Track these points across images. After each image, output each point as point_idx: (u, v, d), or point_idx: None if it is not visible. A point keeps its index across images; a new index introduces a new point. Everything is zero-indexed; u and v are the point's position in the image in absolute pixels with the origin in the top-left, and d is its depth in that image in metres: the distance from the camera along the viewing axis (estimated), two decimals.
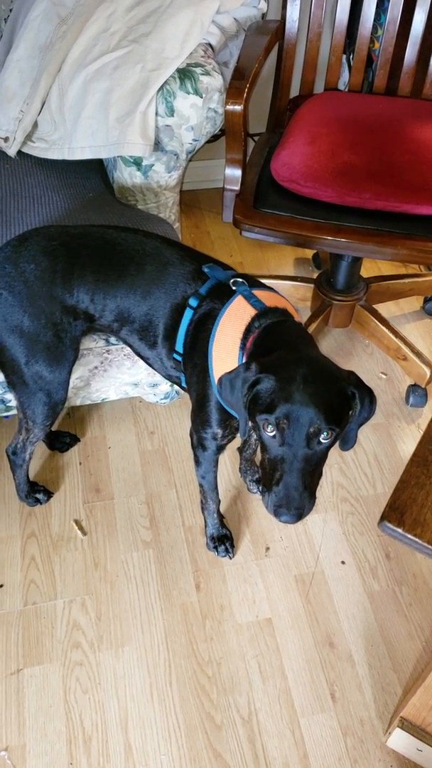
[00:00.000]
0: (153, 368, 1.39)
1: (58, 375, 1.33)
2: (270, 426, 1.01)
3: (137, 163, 1.61)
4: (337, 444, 1.08)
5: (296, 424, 0.99)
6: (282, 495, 1.01)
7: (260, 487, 1.69)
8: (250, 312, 1.19)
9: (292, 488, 1.00)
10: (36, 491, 1.65)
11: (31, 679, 1.39)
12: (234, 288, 1.22)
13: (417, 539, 0.79)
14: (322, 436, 1.00)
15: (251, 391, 1.05)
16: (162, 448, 1.80)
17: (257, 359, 1.08)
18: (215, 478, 1.45)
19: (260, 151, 1.78)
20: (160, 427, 1.84)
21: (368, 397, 1.07)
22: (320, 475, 1.05)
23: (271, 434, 1.02)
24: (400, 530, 0.80)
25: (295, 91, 1.87)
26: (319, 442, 1.01)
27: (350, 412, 1.06)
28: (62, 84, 1.57)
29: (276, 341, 1.14)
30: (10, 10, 1.78)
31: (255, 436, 1.11)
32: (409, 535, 0.79)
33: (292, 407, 0.99)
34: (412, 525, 0.80)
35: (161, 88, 1.50)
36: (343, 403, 1.04)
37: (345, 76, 2.13)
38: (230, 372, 1.11)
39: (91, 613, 1.48)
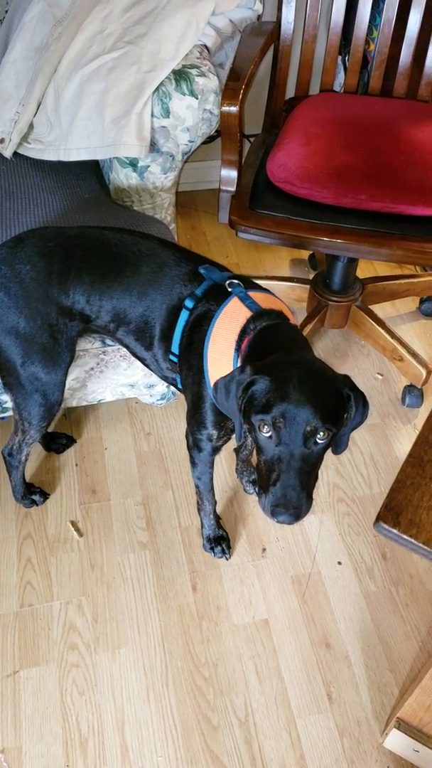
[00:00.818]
0: (149, 369, 1.39)
1: (54, 376, 1.33)
2: (266, 426, 1.01)
3: (133, 164, 1.61)
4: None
5: (293, 423, 0.99)
6: (279, 495, 1.00)
7: (256, 489, 1.69)
8: (245, 314, 1.19)
9: (290, 488, 1.00)
10: (32, 492, 1.65)
11: (27, 681, 1.39)
12: (230, 289, 1.22)
13: (412, 540, 0.79)
14: (319, 435, 1.00)
15: (246, 393, 1.05)
16: (158, 449, 1.80)
17: (252, 362, 1.08)
18: (211, 479, 1.45)
19: (256, 153, 1.78)
20: (157, 428, 1.84)
21: (362, 401, 1.08)
22: (316, 477, 1.05)
23: (267, 434, 1.02)
24: (395, 531, 0.80)
25: (290, 92, 1.87)
26: (316, 442, 1.01)
27: (345, 415, 1.06)
28: (58, 85, 1.57)
29: (271, 344, 1.14)
30: (6, 12, 1.78)
31: (251, 438, 1.11)
32: (405, 536, 0.79)
33: (288, 406, 0.99)
34: (408, 526, 0.80)
35: (157, 89, 1.50)
36: (339, 404, 1.05)
37: (340, 78, 2.13)
38: (225, 376, 1.11)
39: (87, 615, 1.48)
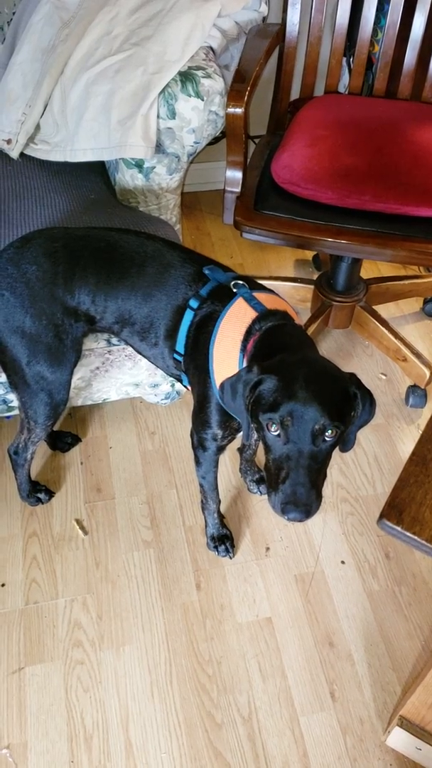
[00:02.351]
0: (156, 365, 1.40)
1: (59, 375, 1.34)
2: (274, 425, 1.02)
3: (139, 165, 1.62)
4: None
5: (301, 421, 1.00)
6: (289, 492, 1.00)
7: (260, 488, 1.70)
8: (250, 314, 1.19)
9: (299, 485, 1.00)
10: (37, 491, 1.66)
11: (32, 678, 1.40)
12: (235, 290, 1.23)
13: (415, 537, 0.80)
14: (327, 433, 1.01)
15: (253, 393, 1.05)
16: (163, 448, 1.81)
17: (258, 362, 1.08)
18: (215, 478, 1.46)
19: (261, 154, 1.79)
20: (161, 427, 1.85)
21: (369, 399, 1.08)
22: (325, 475, 1.06)
23: (276, 433, 1.02)
24: (398, 528, 0.80)
25: (295, 93, 1.88)
26: (324, 440, 1.01)
27: (352, 413, 1.07)
28: (64, 86, 1.58)
29: (276, 344, 1.15)
30: (13, 13, 1.79)
31: (255, 437, 1.11)
32: (408, 533, 0.80)
33: (296, 405, 1.00)
34: (411, 523, 0.81)
35: (163, 90, 1.51)
36: (346, 402, 1.05)
37: (345, 79, 2.14)
38: (231, 377, 1.12)
39: (92, 612, 1.49)
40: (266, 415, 1.02)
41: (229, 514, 1.67)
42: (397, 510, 0.81)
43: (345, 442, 1.11)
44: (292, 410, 1.00)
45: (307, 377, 1.02)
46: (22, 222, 1.53)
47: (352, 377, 1.08)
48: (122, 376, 1.65)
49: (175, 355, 1.30)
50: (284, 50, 1.82)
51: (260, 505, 1.69)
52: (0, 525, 1.63)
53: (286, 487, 1.01)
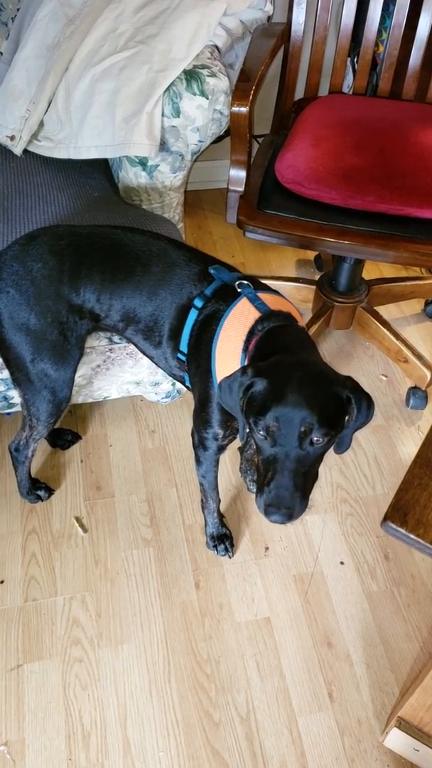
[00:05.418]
0: (158, 366, 1.40)
1: (63, 373, 1.34)
2: (262, 428, 1.02)
3: (143, 163, 1.62)
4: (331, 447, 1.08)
5: (288, 425, 1.00)
6: (273, 495, 1.01)
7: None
8: (254, 315, 1.19)
9: (283, 488, 1.00)
10: (37, 488, 1.66)
11: (30, 675, 1.40)
12: (239, 290, 1.23)
13: (420, 540, 0.80)
14: (315, 437, 1.01)
15: (246, 395, 1.06)
16: (163, 446, 1.80)
17: (253, 364, 1.08)
18: (216, 477, 1.46)
19: (264, 153, 1.79)
20: (161, 425, 1.85)
21: (366, 402, 1.08)
22: (314, 478, 1.06)
23: (263, 436, 1.03)
24: (402, 530, 0.80)
25: (299, 93, 1.88)
26: (312, 444, 1.02)
27: (346, 418, 1.07)
28: (69, 83, 1.58)
29: (278, 345, 1.15)
30: (18, 10, 1.78)
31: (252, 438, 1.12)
32: (412, 536, 0.80)
33: (283, 409, 1.00)
34: (415, 525, 0.81)
35: (168, 89, 1.51)
36: (339, 407, 1.05)
37: (349, 79, 2.14)
38: (228, 376, 1.12)
39: (91, 610, 1.49)
40: (255, 417, 1.02)
41: (228, 513, 1.67)
42: (401, 512, 0.82)
43: (340, 444, 1.11)
44: (281, 413, 1.00)
45: (299, 380, 1.02)
46: (25, 219, 1.52)
47: (348, 381, 1.07)
48: (123, 375, 1.65)
49: (179, 355, 1.30)
50: (289, 50, 1.82)
51: None
52: None
53: (270, 489, 1.01)
